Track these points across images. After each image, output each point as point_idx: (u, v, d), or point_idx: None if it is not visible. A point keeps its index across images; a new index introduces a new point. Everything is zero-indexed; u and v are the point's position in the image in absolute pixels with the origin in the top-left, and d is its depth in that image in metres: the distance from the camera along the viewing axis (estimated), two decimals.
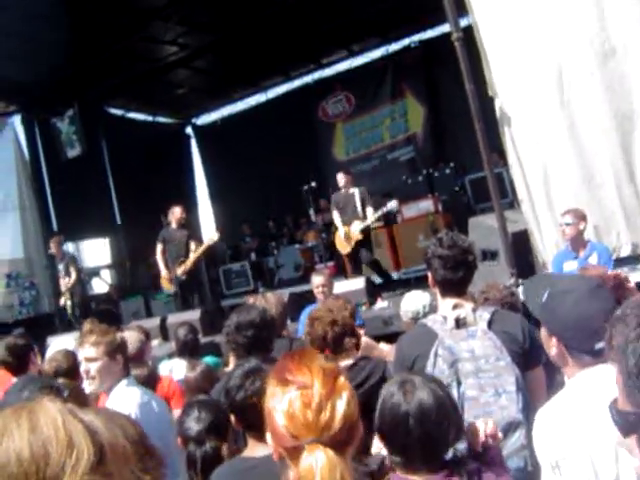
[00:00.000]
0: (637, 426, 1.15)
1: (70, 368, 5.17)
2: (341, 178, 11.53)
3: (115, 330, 4.39)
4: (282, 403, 1.60)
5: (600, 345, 2.32)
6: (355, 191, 11.35)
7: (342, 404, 1.58)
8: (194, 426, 3.05)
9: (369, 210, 11.14)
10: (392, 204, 11.22)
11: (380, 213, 11.28)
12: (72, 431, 1.17)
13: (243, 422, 2.78)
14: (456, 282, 3.53)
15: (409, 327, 5.16)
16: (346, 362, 3.98)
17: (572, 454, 2.27)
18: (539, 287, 2.62)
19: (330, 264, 11.73)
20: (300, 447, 1.54)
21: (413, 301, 5.70)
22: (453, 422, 2.42)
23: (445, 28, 13.78)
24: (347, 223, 11.24)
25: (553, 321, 2.53)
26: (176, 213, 12.14)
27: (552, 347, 2.51)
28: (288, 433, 1.56)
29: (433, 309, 5.02)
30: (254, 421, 2.66)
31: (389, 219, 14.80)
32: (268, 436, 1.69)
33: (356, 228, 11.06)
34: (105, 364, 4.06)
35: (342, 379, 1.65)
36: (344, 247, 11.35)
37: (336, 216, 11.48)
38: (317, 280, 7.83)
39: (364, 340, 5.01)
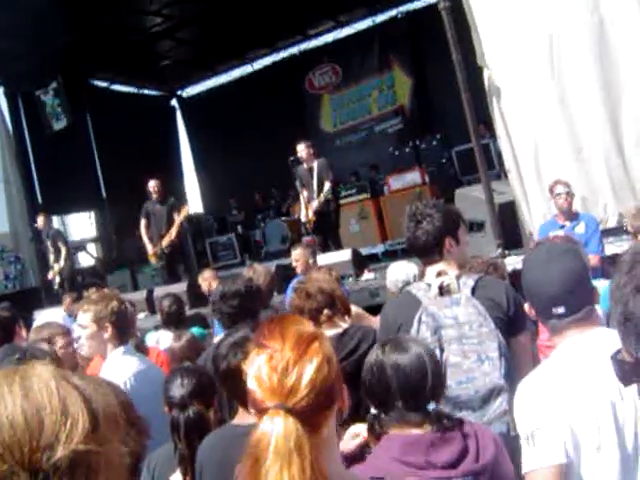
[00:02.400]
0: (632, 375, 1.13)
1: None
2: (302, 150, 11.01)
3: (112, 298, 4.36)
4: (253, 367, 1.57)
5: (560, 310, 2.41)
6: (314, 165, 10.96)
7: (311, 369, 1.52)
8: (177, 392, 3.04)
9: (326, 185, 10.73)
10: (328, 188, 10.74)
11: (323, 199, 10.74)
12: (66, 397, 1.12)
13: (230, 391, 2.77)
14: (425, 249, 3.57)
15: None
16: (335, 331, 3.98)
17: (547, 425, 2.30)
18: (526, 255, 2.68)
19: (314, 237, 11.63)
20: (265, 411, 1.50)
21: (401, 271, 5.70)
22: (434, 375, 2.47)
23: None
24: (310, 202, 10.98)
25: (523, 288, 2.61)
26: (150, 186, 12.05)
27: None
28: (257, 397, 1.53)
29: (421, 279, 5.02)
30: (241, 390, 2.66)
31: (375, 190, 14.80)
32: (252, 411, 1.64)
33: (311, 210, 10.89)
34: (93, 332, 4.06)
35: (317, 344, 1.59)
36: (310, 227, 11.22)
37: (303, 195, 11.19)
38: (292, 254, 7.95)
39: (354, 310, 5.01)
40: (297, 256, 7.76)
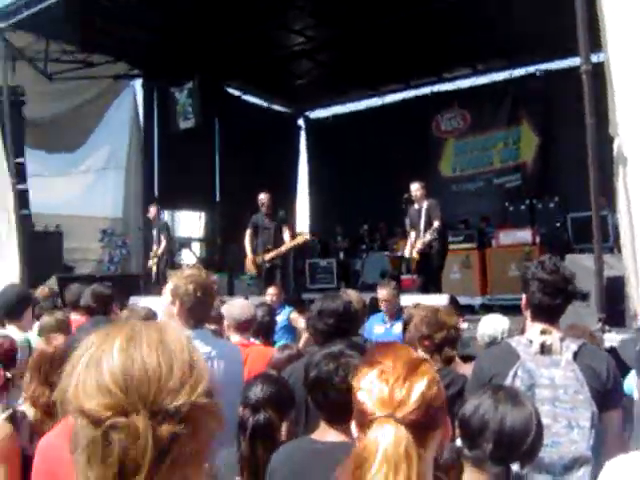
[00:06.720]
0: None
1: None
2: (415, 189, 11.10)
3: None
4: (363, 381, 1.61)
5: None
6: (424, 205, 11.02)
7: (421, 385, 1.56)
8: (254, 394, 3.07)
9: (435, 224, 10.73)
10: (436, 227, 10.72)
11: (430, 238, 10.71)
12: (194, 355, 1.23)
13: (316, 401, 2.79)
14: (551, 308, 3.45)
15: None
16: None
17: None
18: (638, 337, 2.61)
19: (415, 277, 11.55)
20: (373, 421, 1.53)
21: (491, 325, 5.65)
22: (534, 441, 2.43)
23: (572, 62, 13.59)
24: (416, 241, 10.99)
25: None
26: (260, 199, 12.22)
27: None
28: (366, 409, 1.56)
29: (511, 336, 4.96)
30: (327, 402, 2.68)
31: (482, 242, 14.66)
32: (353, 425, 1.67)
33: (415, 250, 10.87)
34: (167, 303, 4.09)
35: (427, 366, 1.64)
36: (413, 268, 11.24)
37: (410, 235, 11.27)
38: (381, 291, 8.13)
39: None
40: (386, 295, 7.93)
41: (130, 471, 1.10)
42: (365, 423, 1.55)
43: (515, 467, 2.36)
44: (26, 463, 2.89)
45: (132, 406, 1.12)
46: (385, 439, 1.47)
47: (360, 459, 1.49)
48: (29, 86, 14.19)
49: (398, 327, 7.04)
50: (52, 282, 11.75)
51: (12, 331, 5.29)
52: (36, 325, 5.86)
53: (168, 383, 1.15)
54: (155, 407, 1.13)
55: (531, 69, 18.48)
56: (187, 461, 1.18)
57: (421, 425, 1.53)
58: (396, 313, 7.82)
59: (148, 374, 1.15)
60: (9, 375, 4.22)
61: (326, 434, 2.65)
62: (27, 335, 5.40)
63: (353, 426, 1.65)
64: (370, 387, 1.58)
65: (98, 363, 1.16)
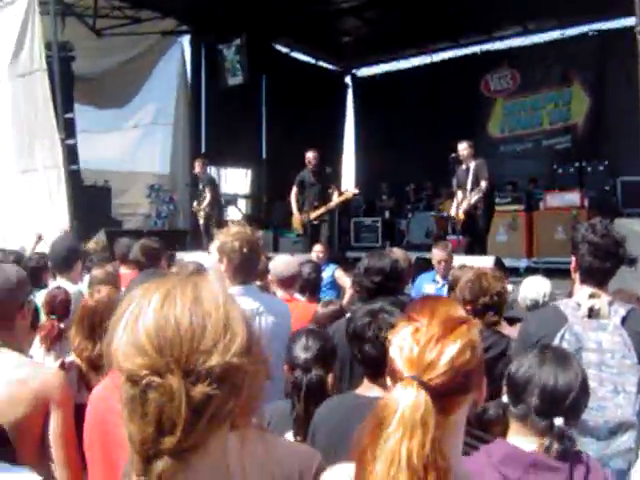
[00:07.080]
0: None
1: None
2: (463, 149, 10.87)
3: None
4: (397, 337, 1.57)
5: None
6: (471, 165, 10.80)
7: (453, 349, 1.50)
8: (302, 353, 3.07)
9: (482, 184, 10.55)
10: (482, 187, 10.54)
11: (476, 198, 10.56)
12: (230, 312, 1.22)
13: (355, 355, 2.82)
14: (601, 272, 3.42)
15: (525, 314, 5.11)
16: None
17: None
18: None
19: (460, 238, 11.46)
20: (400, 380, 1.50)
21: (533, 288, 5.63)
22: (577, 398, 2.43)
23: (626, 22, 13.26)
24: (462, 202, 10.85)
25: None
26: (308, 157, 12.10)
27: None
28: (396, 367, 1.53)
29: (553, 299, 4.94)
30: (363, 357, 2.73)
31: (530, 204, 14.52)
32: (388, 379, 1.63)
33: (461, 209, 10.77)
34: (215, 260, 4.10)
35: (464, 328, 1.57)
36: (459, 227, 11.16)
37: (457, 195, 11.10)
38: (437, 253, 8.03)
39: None
40: (443, 257, 7.88)
41: (167, 428, 1.14)
42: (395, 380, 1.52)
43: (559, 422, 2.35)
44: (76, 411, 2.96)
45: (166, 366, 1.14)
46: (404, 402, 1.44)
47: (379, 417, 1.47)
48: (78, 42, 14.20)
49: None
50: (101, 236, 11.88)
51: (63, 283, 5.39)
52: (86, 278, 5.96)
53: (200, 344, 1.16)
54: (188, 368, 1.14)
55: (584, 29, 18.14)
56: (227, 419, 1.20)
57: (449, 390, 1.49)
58: (448, 274, 7.81)
59: (180, 334, 1.16)
60: (62, 326, 4.31)
61: (368, 390, 2.68)
62: (79, 287, 5.52)
63: (388, 380, 1.62)
64: (402, 344, 1.54)
65: (135, 322, 1.18)
